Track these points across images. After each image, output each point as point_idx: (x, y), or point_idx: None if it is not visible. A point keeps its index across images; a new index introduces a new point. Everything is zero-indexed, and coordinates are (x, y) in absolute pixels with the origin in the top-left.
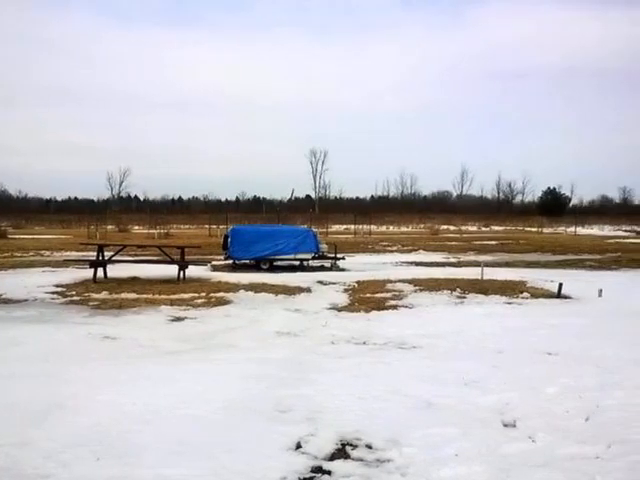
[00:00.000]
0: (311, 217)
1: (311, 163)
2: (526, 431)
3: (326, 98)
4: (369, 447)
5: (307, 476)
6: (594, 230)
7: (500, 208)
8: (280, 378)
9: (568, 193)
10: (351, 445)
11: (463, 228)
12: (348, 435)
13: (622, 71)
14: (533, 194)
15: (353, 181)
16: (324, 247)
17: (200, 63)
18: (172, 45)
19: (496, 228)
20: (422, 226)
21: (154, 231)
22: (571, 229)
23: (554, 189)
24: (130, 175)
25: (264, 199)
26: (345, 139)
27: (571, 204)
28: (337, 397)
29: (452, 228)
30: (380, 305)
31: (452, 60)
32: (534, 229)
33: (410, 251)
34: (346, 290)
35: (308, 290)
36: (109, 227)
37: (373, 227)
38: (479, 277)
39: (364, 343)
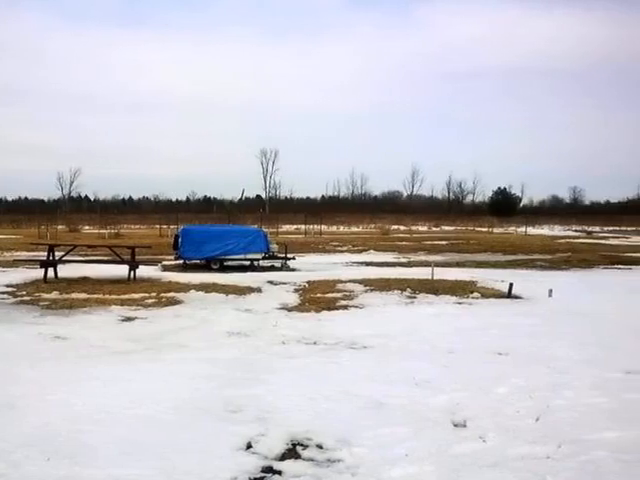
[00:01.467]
0: (261, 217)
1: (262, 163)
2: (477, 431)
3: (278, 98)
4: (320, 447)
5: (258, 476)
6: (544, 230)
7: (451, 208)
8: (230, 378)
9: (519, 193)
10: (302, 445)
11: (414, 228)
12: (299, 435)
13: (572, 71)
14: (484, 194)
15: (304, 181)
16: (274, 247)
17: (152, 63)
18: (123, 45)
19: (447, 228)
20: (373, 226)
21: (105, 231)
22: (521, 229)
23: (505, 189)
24: (81, 175)
25: (215, 199)
26: (296, 139)
27: (522, 204)
28: (288, 397)
29: (403, 228)
30: (331, 305)
31: (403, 60)
32: (484, 229)
33: (361, 251)
34: (296, 290)
35: (259, 290)
36: (60, 227)
37: (324, 227)
38: (430, 277)
39: (315, 343)
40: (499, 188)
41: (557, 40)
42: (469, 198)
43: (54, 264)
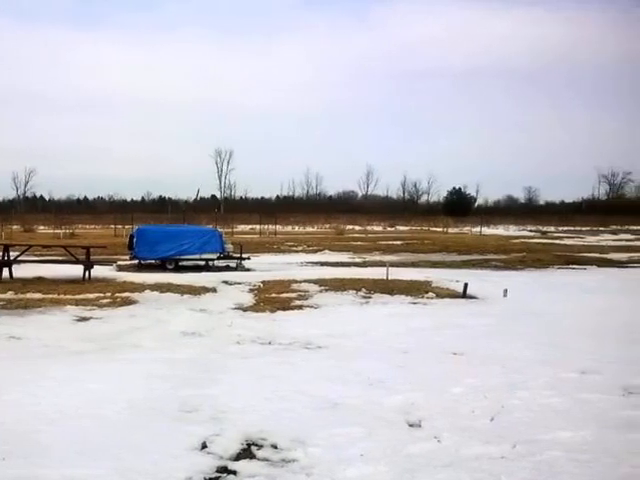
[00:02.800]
0: (216, 217)
1: (216, 163)
2: (431, 431)
3: (232, 99)
4: (274, 447)
5: (213, 476)
6: (499, 230)
7: (405, 208)
8: (185, 378)
9: (474, 193)
10: (256, 445)
11: (369, 228)
12: (254, 435)
13: (527, 71)
14: (439, 194)
15: (259, 181)
16: (230, 247)
17: (106, 63)
18: (78, 45)
19: (401, 228)
20: (327, 226)
21: (60, 231)
22: (476, 229)
23: (459, 189)
24: (35, 175)
25: (170, 199)
26: (251, 139)
27: (477, 204)
28: (242, 397)
29: (357, 228)
30: (285, 305)
31: (358, 60)
32: (439, 229)
33: (315, 251)
34: (251, 290)
35: (214, 290)
36: (14, 227)
37: (279, 227)
38: (384, 277)
39: (269, 343)
40: (454, 188)
41: (512, 40)
42: (424, 198)
43: (9, 264)
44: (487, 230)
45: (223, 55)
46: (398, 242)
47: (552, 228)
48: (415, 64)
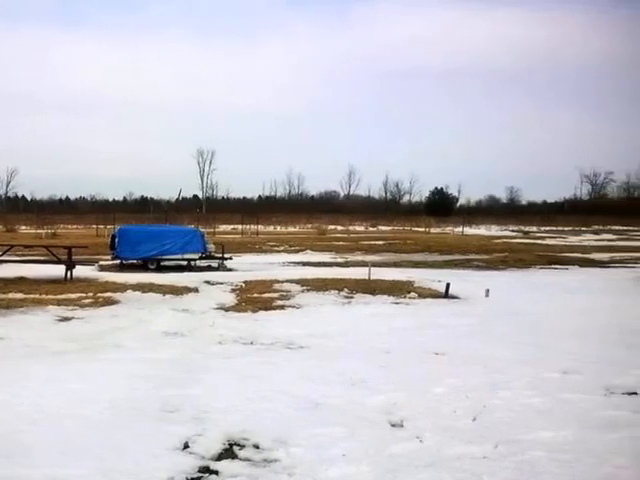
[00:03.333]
0: (198, 217)
1: (198, 163)
2: (414, 431)
3: (214, 99)
4: (256, 447)
5: (194, 476)
6: (481, 230)
7: (388, 208)
8: (167, 378)
9: (455, 193)
10: (238, 445)
11: (351, 228)
12: (235, 435)
13: (510, 71)
14: (421, 194)
15: (241, 181)
16: (211, 247)
17: (88, 63)
18: (59, 45)
19: (383, 228)
20: (309, 226)
21: (42, 231)
22: (459, 229)
23: (442, 189)
24: (17, 175)
25: (152, 199)
26: (233, 139)
27: (458, 204)
28: (225, 397)
29: (340, 228)
30: (267, 305)
31: (339, 60)
32: (421, 229)
33: (297, 251)
34: (234, 290)
35: (195, 290)
36: None
37: (260, 227)
38: (367, 277)
39: (251, 343)
40: (436, 188)
41: (495, 40)
42: (406, 198)
43: None
44: (469, 230)
45: (207, 55)
46: (380, 242)
47: (534, 228)
48: (397, 64)
